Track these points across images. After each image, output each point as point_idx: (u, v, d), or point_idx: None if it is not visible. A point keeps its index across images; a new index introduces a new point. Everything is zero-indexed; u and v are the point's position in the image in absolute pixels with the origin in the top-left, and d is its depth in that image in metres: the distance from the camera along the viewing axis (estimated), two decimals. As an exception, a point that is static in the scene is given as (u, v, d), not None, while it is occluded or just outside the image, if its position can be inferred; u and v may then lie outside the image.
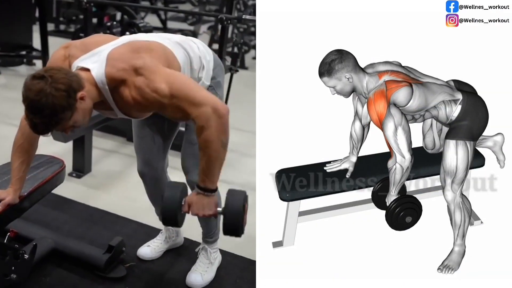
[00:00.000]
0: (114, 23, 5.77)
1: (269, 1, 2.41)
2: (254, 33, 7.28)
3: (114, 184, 3.43)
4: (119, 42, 1.92)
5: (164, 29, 8.14)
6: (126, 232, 2.80)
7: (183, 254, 2.67)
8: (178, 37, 2.11)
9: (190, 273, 2.46)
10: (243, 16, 3.79)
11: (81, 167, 3.54)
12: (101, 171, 3.64)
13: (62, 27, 8.10)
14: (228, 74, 3.63)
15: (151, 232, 2.75)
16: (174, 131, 2.35)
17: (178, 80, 1.82)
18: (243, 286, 2.49)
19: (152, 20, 8.04)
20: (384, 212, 2.26)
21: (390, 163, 2.16)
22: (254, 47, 7.22)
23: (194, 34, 7.39)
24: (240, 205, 1.83)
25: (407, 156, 2.11)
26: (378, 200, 2.39)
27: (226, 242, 2.52)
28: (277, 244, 2.44)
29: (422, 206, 2.26)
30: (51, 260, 2.47)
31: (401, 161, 2.11)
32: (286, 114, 2.55)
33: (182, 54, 2.00)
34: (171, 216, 1.87)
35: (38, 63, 5.90)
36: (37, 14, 5.99)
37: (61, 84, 1.68)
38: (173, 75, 1.83)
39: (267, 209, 2.38)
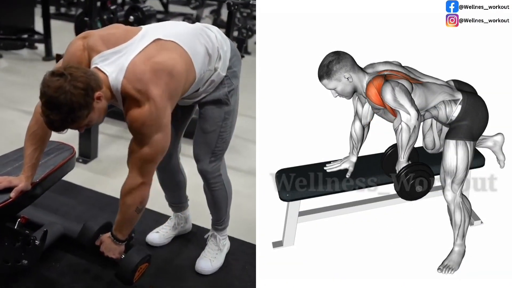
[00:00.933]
0: (117, 7, 5.71)
1: (269, 2, 2.41)
2: (255, 18, 7.23)
3: (121, 169, 3.33)
4: (140, 44, 1.88)
5: (166, 12, 8.04)
6: None
7: (192, 241, 2.69)
8: (197, 27, 2.09)
9: (199, 260, 2.49)
10: (250, 1, 3.77)
11: (88, 153, 3.54)
12: (107, 156, 3.63)
13: (63, 10, 8.05)
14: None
15: (159, 218, 2.77)
16: (187, 118, 2.36)
17: (158, 149, 1.93)
18: (251, 271, 2.49)
19: (153, 3, 8.01)
20: (384, 210, 2.28)
21: (395, 123, 2.07)
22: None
23: (197, 18, 7.34)
24: (133, 263, 2.13)
25: (412, 111, 2.02)
26: (387, 166, 2.32)
27: (234, 229, 2.59)
28: (277, 244, 2.44)
29: (434, 175, 2.15)
30: (60, 246, 2.48)
31: (407, 118, 2.02)
32: (286, 114, 2.56)
33: (201, 51, 1.99)
34: (85, 240, 2.23)
35: (40, 47, 5.88)
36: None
37: (80, 82, 1.70)
38: (161, 141, 1.92)
39: (267, 209, 2.38)
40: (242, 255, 2.61)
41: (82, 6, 7.42)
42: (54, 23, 5.78)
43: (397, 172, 2.12)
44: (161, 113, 1.85)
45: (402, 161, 2.11)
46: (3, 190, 2.06)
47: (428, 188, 2.14)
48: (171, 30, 2.01)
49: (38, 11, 5.98)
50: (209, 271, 2.46)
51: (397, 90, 2.04)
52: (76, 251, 2.49)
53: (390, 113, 2.10)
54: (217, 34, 2.10)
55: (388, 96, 2.05)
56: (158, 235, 2.65)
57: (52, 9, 7.48)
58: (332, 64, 2.10)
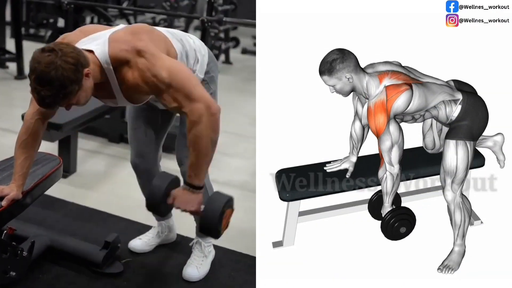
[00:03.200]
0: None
1: (269, 2, 2.41)
2: (221, 39, 7.33)
3: (101, 183, 3.46)
4: (117, 27, 1.96)
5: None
6: (118, 229, 2.76)
7: (177, 249, 2.70)
8: (173, 30, 2.16)
9: (186, 267, 2.49)
10: (224, 19, 3.81)
11: (67, 167, 3.52)
12: (86, 170, 3.66)
13: (31, 31, 8.03)
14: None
15: (142, 229, 2.77)
16: (167, 124, 2.37)
17: (179, 71, 1.85)
18: (238, 278, 2.53)
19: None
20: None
21: (380, 172, 2.19)
22: (224, 51, 7.35)
23: None
24: (218, 208, 1.87)
25: (396, 166, 2.15)
26: (373, 211, 2.43)
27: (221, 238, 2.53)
28: (277, 244, 2.44)
29: (415, 217, 2.28)
30: (47, 258, 2.48)
31: (390, 169, 2.15)
32: (286, 114, 2.55)
33: (178, 44, 2.04)
34: (155, 203, 1.93)
35: (12, 66, 5.94)
36: (8, 18, 6.01)
37: (71, 57, 1.70)
38: (174, 65, 1.87)
39: (267, 209, 2.37)
40: (228, 262, 2.63)
41: (52, 28, 7.46)
42: (25, 44, 5.86)
43: (383, 215, 2.25)
44: (156, 54, 1.83)
45: (387, 206, 2.23)
46: None
47: (411, 229, 2.29)
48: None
49: (8, 31, 6.08)
50: (196, 277, 2.47)
51: (394, 149, 2.13)
52: (62, 262, 2.49)
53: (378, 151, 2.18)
54: (194, 40, 2.16)
55: (384, 148, 2.14)
56: (141, 242, 2.65)
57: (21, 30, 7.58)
58: (336, 63, 2.09)
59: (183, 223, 2.61)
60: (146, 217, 2.69)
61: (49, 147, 3.50)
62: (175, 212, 2.52)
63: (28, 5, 7.57)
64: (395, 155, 2.13)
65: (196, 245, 2.53)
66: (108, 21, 5.90)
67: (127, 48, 1.81)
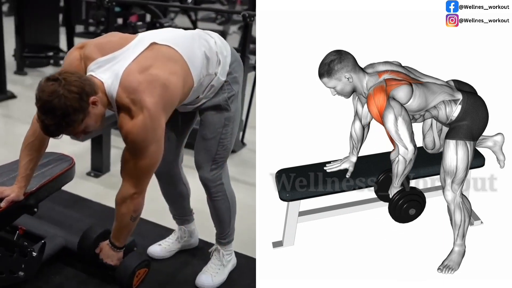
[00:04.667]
0: (139, 23, 5.71)
1: (269, 0, 2.41)
2: None
3: None
4: (135, 50, 1.89)
5: (194, 29, 8.03)
6: (140, 232, 2.71)
7: (197, 255, 2.62)
8: (195, 32, 2.11)
9: (200, 274, 2.43)
10: None
11: (100, 167, 3.54)
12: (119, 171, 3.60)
13: (91, 29, 8.16)
14: (253, 73, 3.55)
15: (165, 233, 2.72)
16: (188, 127, 2.34)
17: (152, 158, 1.93)
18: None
19: (183, 21, 8.00)
20: (384, 210, 2.25)
21: (392, 155, 2.13)
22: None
23: (223, 34, 7.33)
24: (130, 268, 2.21)
25: (410, 147, 2.08)
26: (380, 192, 2.36)
27: (242, 245, 2.56)
28: (277, 244, 2.44)
29: (425, 198, 2.23)
30: (61, 259, 2.47)
31: (404, 152, 2.08)
32: (286, 114, 2.55)
33: (199, 57, 1.99)
34: (82, 251, 2.29)
35: None
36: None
37: (74, 86, 1.73)
38: (154, 151, 1.91)
39: (267, 209, 2.37)
40: (248, 272, 2.51)
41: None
42: (82, 41, 5.84)
43: (391, 196, 2.21)
44: (156, 124, 1.85)
45: (396, 187, 2.20)
46: None
47: (420, 210, 2.24)
48: (167, 34, 2.02)
49: (63, 29, 6.07)
50: (209, 286, 2.39)
51: (400, 122, 2.05)
52: (76, 264, 2.48)
53: (387, 136, 2.14)
54: (216, 40, 2.10)
55: (389, 125, 2.07)
56: (160, 248, 2.61)
57: (80, 28, 7.83)
58: (334, 64, 2.09)
59: (205, 227, 2.54)
60: (171, 221, 2.65)
61: (84, 146, 3.58)
62: (198, 217, 2.59)
63: (88, 3, 7.69)
64: (403, 129, 2.05)
65: (214, 252, 2.46)
66: (157, 18, 5.81)
67: (134, 98, 1.81)
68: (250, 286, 2.42)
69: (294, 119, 2.56)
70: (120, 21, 6.19)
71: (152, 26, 5.16)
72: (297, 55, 2.49)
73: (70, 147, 3.31)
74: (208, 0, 8.78)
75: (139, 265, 2.23)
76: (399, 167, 2.12)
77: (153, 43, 1.92)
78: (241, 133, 3.98)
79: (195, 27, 8.07)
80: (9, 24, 5.68)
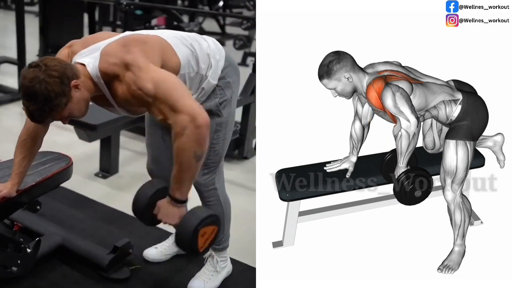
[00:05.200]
0: (162, 27, 5.69)
1: (269, 1, 2.40)
2: None
3: (139, 185, 3.39)
4: (117, 37, 1.93)
5: (222, 34, 8.06)
6: (139, 234, 2.76)
7: (193, 261, 2.60)
8: (188, 34, 2.10)
9: (193, 279, 2.41)
10: None
11: (108, 168, 3.55)
12: (128, 172, 3.60)
13: (119, 30, 8.19)
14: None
15: (164, 236, 2.71)
16: None
17: (164, 82, 1.80)
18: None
19: (211, 25, 8.03)
20: (385, 210, 2.28)
21: (394, 129, 2.07)
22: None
23: (249, 39, 7.29)
24: (191, 226, 1.82)
25: (412, 119, 2.02)
26: (386, 172, 2.31)
27: (239, 252, 2.53)
28: (277, 244, 2.43)
29: (432, 180, 2.16)
30: (58, 257, 2.49)
31: (406, 126, 2.02)
32: (286, 114, 2.54)
33: (185, 49, 1.99)
34: (138, 211, 1.93)
35: None
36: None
37: (54, 71, 1.73)
38: (161, 76, 1.81)
39: (267, 209, 2.37)
40: (243, 280, 2.51)
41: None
42: None
43: (397, 176, 2.13)
44: (145, 66, 1.79)
45: (402, 166, 2.12)
46: None
47: (428, 190, 2.15)
48: (156, 32, 2.03)
49: (87, 30, 6.12)
50: None
51: (398, 96, 2.03)
52: (72, 263, 2.50)
53: (390, 117, 2.11)
54: (210, 43, 2.09)
55: (388, 102, 2.04)
56: (156, 251, 2.60)
57: (108, 30, 7.74)
58: (332, 64, 2.09)
59: None
60: None
61: (94, 146, 3.58)
62: None
63: (115, 6, 7.74)
64: (401, 102, 2.01)
65: (209, 258, 2.44)
66: (178, 21, 5.78)
67: (116, 62, 1.80)
68: (250, 286, 2.41)
69: (294, 119, 2.55)
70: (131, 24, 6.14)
71: (173, 30, 5.14)
72: (297, 55, 2.49)
73: (81, 147, 3.51)
74: (236, 5, 8.79)
75: (203, 222, 1.82)
76: (403, 143, 2.05)
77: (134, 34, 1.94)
78: (254, 140, 3.91)
79: (223, 32, 8.07)
80: (35, 24, 5.78)
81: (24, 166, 2.11)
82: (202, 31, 8.39)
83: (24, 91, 1.72)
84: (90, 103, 1.91)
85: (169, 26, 6.32)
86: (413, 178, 2.10)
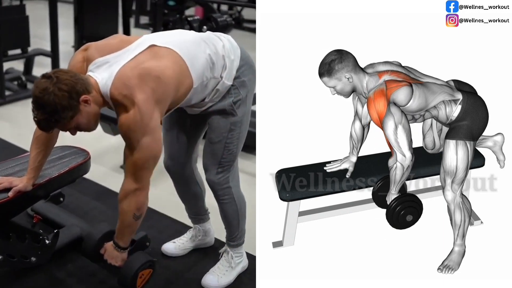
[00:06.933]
0: (196, 17, 5.64)
1: (269, 2, 2.40)
2: None
3: (164, 179, 3.23)
4: (134, 52, 1.90)
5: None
6: (159, 227, 2.81)
7: (210, 255, 2.62)
8: (203, 35, 2.09)
9: (207, 274, 2.43)
10: None
11: None
12: None
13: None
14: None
15: (183, 230, 2.73)
16: (199, 131, 2.33)
17: (146, 151, 1.91)
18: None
19: (251, 13, 7.88)
20: (384, 211, 2.25)
21: (390, 161, 2.14)
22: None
23: None
24: (132, 271, 2.16)
25: (408, 154, 2.09)
26: (378, 198, 2.37)
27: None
28: (277, 244, 2.43)
29: (423, 205, 2.25)
30: (77, 248, 2.49)
31: (402, 159, 2.10)
32: (286, 114, 2.54)
33: (200, 64, 1.98)
34: (86, 251, 2.26)
35: None
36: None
37: (64, 85, 1.79)
38: (147, 143, 1.90)
39: (267, 209, 2.37)
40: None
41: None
42: (145, 32, 5.78)
43: (388, 203, 2.22)
44: (147, 118, 1.85)
45: (394, 193, 2.21)
46: (4, 190, 2.15)
47: (418, 214, 2.25)
48: (171, 37, 2.02)
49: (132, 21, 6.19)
50: (214, 287, 2.39)
51: (400, 130, 2.07)
52: None
53: (386, 140, 2.14)
54: (225, 43, 2.08)
55: (389, 132, 2.09)
56: (174, 245, 2.63)
57: (145, 19, 7.90)
58: (334, 63, 2.09)
59: (221, 228, 2.50)
60: (189, 218, 2.67)
61: (121, 139, 3.52)
62: (212, 216, 2.62)
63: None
64: (402, 137, 2.07)
65: (224, 253, 2.46)
66: (212, 12, 5.68)
67: (126, 94, 1.84)
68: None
69: (294, 119, 2.55)
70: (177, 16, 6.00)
71: (206, 20, 5.08)
72: (297, 56, 2.49)
73: (108, 139, 3.62)
74: None
75: (142, 267, 2.19)
76: (397, 174, 2.14)
77: (152, 45, 1.93)
78: None
79: None
80: (70, 14, 5.72)
81: (39, 160, 2.17)
82: (240, 20, 8.34)
83: (34, 100, 1.80)
84: None
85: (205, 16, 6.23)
86: (404, 204, 2.21)
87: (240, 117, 2.15)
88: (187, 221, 2.72)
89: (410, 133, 2.10)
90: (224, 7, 8.87)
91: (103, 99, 1.90)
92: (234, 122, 2.14)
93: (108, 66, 1.89)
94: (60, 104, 1.78)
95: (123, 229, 2.10)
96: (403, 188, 2.29)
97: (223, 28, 4.43)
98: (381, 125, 2.10)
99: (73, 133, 1.93)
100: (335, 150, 2.42)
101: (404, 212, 2.21)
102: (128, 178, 1.98)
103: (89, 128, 1.95)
